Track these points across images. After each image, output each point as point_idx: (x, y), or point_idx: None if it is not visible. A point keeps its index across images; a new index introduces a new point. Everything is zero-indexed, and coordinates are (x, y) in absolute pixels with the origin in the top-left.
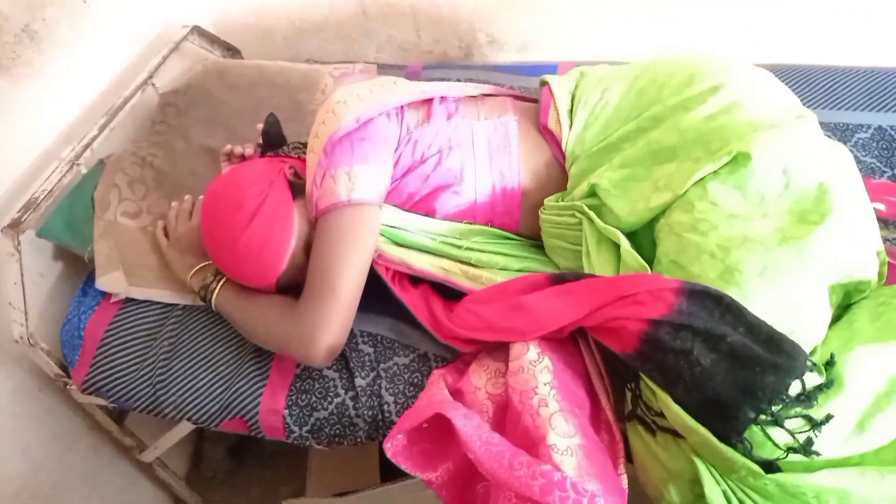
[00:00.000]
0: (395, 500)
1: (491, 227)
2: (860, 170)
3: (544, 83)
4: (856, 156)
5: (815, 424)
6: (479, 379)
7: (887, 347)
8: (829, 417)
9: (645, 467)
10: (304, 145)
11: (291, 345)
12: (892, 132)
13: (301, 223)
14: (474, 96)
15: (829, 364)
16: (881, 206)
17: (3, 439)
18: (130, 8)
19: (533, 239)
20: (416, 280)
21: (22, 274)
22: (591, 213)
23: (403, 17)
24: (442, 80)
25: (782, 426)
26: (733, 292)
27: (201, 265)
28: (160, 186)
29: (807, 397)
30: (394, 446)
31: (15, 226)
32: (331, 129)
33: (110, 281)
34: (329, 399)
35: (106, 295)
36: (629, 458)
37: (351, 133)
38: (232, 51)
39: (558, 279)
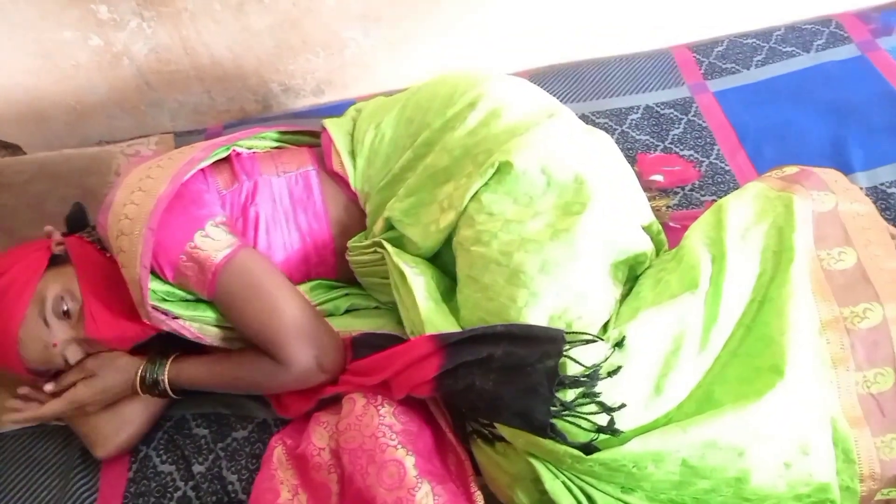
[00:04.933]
0: None
1: (311, 280)
2: (637, 148)
3: (323, 128)
4: (631, 136)
5: (609, 410)
6: (321, 438)
7: (667, 307)
8: (622, 406)
9: (492, 477)
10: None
11: (304, 383)
12: (658, 108)
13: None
14: (272, 149)
15: (619, 345)
16: (660, 178)
17: None
18: None
19: (351, 283)
20: None
21: None
22: (388, 246)
23: (189, 80)
24: None
25: (580, 414)
26: (522, 293)
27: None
28: None
29: (589, 377)
30: None
31: None
32: (147, 206)
33: None
34: (169, 495)
35: None
36: (479, 472)
37: (171, 204)
38: (11, 148)
39: (360, 349)
